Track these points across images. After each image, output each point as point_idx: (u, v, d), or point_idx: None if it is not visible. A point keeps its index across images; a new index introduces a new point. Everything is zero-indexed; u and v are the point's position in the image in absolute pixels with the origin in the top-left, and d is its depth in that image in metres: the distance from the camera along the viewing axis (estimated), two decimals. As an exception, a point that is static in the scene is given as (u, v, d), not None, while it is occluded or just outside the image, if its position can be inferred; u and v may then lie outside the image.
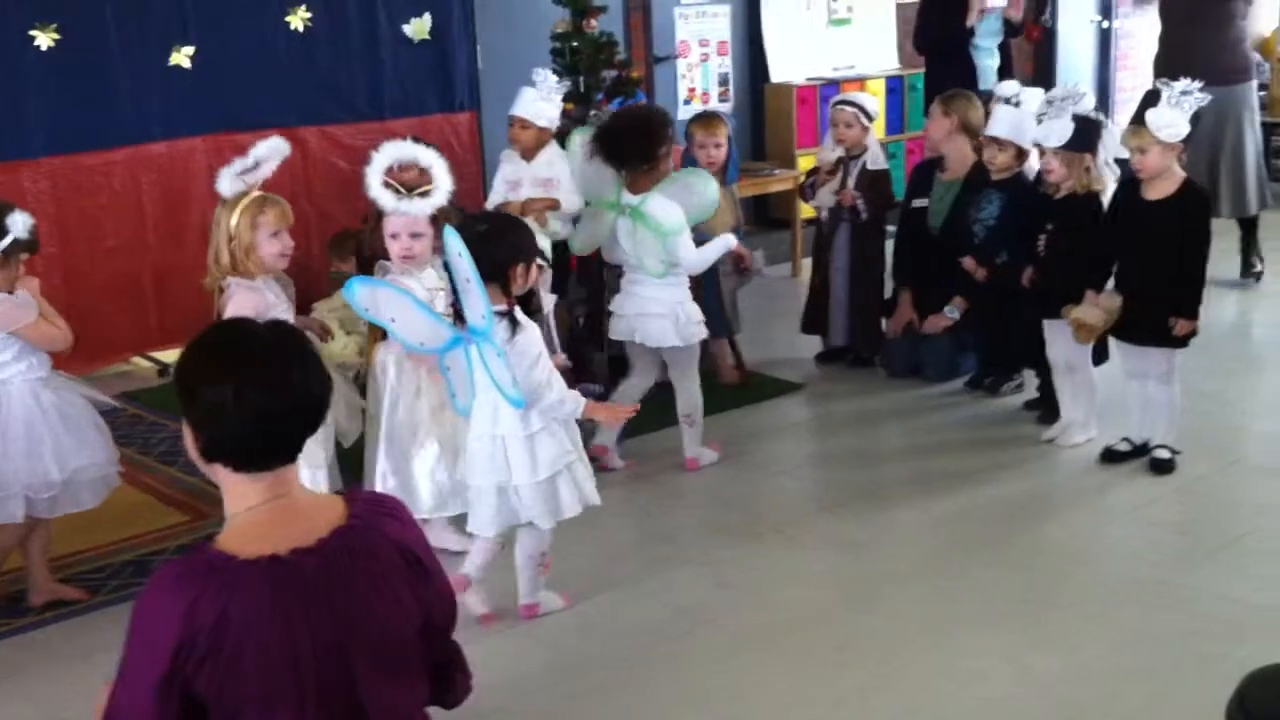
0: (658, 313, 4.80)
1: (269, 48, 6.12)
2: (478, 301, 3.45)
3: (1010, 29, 7.71)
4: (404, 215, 3.95)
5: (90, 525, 4.24)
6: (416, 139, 4.53)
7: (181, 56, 5.95)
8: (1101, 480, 4.76)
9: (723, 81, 8.34)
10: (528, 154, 5.48)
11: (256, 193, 4.00)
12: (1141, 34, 10.25)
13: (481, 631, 3.70)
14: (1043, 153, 5.28)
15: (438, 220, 3.92)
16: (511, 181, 5.49)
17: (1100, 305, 4.67)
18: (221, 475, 2.01)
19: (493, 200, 5.59)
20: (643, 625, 3.84)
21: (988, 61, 7.55)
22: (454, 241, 3.41)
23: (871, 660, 3.59)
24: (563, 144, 5.79)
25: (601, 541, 4.32)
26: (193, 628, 1.85)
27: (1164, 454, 4.78)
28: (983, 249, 5.39)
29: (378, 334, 4.14)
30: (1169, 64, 6.53)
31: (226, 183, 3.98)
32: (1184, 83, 4.51)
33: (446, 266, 3.52)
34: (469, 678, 2.22)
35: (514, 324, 3.55)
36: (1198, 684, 3.33)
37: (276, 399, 1.95)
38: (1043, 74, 9.98)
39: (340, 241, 6.07)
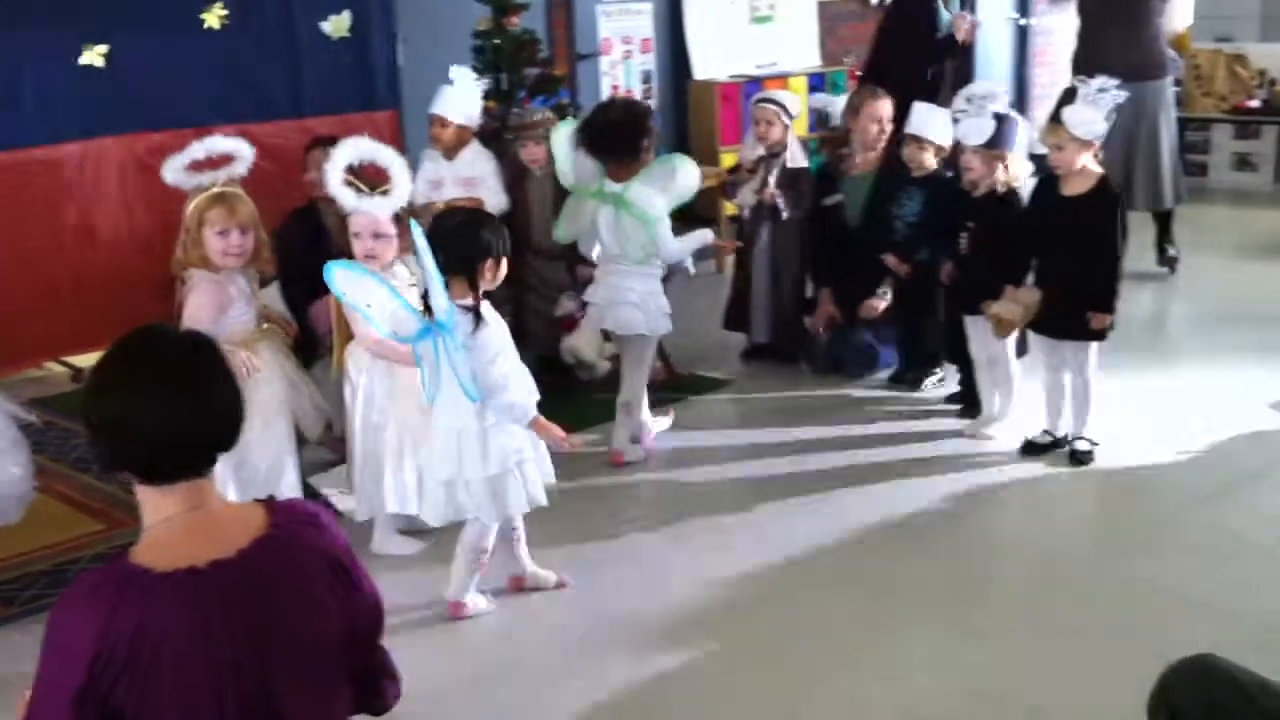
0: (630, 301, 4.88)
1: (185, 46, 6.00)
2: (440, 295, 3.46)
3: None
4: (365, 214, 3.97)
5: (2, 535, 4.14)
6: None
7: (95, 55, 5.82)
8: (1022, 473, 4.82)
9: (646, 79, 8.35)
10: (449, 152, 5.45)
11: (218, 188, 3.99)
12: (1059, 31, 10.40)
13: (406, 635, 3.67)
14: (951, 151, 5.35)
15: (402, 219, 3.93)
16: (433, 181, 5.45)
17: (1019, 301, 4.73)
18: (136, 486, 1.98)
19: (415, 202, 5.53)
20: (568, 627, 3.83)
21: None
22: (419, 237, 3.43)
23: (798, 658, 3.60)
24: (486, 142, 5.77)
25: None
26: (109, 640, 1.82)
27: (1084, 445, 4.85)
28: (904, 245, 5.44)
29: (346, 336, 4.13)
30: (1086, 61, 6.64)
31: (170, 174, 3.99)
32: (1100, 80, 4.57)
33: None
34: (398, 683, 2.21)
35: (478, 319, 3.56)
36: (1120, 674, 3.37)
37: (175, 417, 1.92)
38: (961, 71, 10.07)
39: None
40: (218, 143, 4.12)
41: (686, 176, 4.84)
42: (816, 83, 8.74)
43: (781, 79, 8.43)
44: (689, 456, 5.09)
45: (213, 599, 1.89)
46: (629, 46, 8.22)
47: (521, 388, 3.64)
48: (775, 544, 4.31)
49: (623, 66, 8.20)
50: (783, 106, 5.88)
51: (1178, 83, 8.98)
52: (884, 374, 5.87)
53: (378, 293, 3.51)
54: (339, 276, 3.46)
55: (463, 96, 5.40)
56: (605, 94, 8.03)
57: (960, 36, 7.05)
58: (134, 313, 3.80)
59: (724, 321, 6.24)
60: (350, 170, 3.97)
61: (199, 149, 4.13)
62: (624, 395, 5.02)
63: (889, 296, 5.66)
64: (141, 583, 1.87)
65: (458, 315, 3.53)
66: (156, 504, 1.97)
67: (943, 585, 4.00)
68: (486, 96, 6.22)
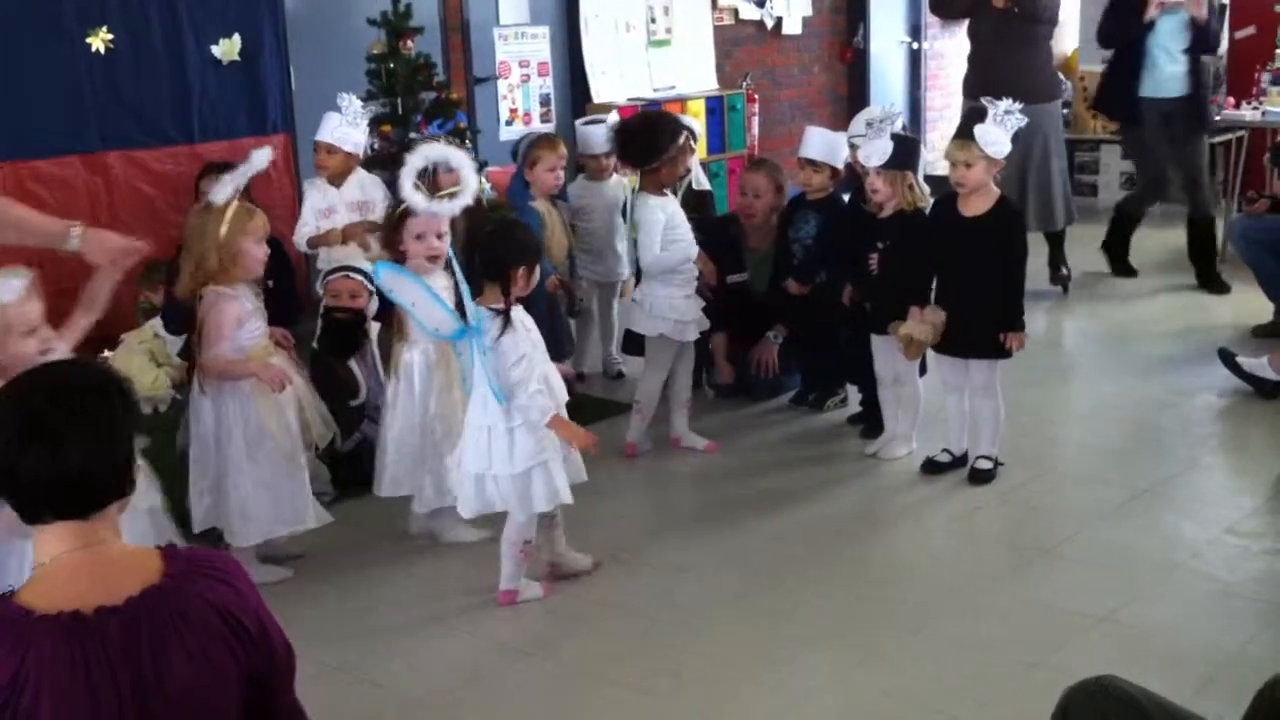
0: (644, 305, 5.15)
1: (68, 70, 5.87)
2: (468, 300, 3.77)
3: (1200, 37, 7.31)
4: (433, 216, 4.11)
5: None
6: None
7: (-27, 80, 5.67)
8: (924, 493, 4.84)
9: (544, 102, 8.31)
10: (335, 179, 5.39)
11: (238, 203, 4.01)
12: (950, 54, 10.58)
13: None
14: (851, 171, 5.40)
15: (454, 222, 4.22)
16: (322, 209, 5.39)
17: (927, 320, 4.75)
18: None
19: (304, 233, 5.46)
20: (469, 657, 3.76)
21: (1169, 67, 7.37)
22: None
23: (703, 685, 3.57)
24: (385, 167, 5.71)
25: (428, 570, 4.28)
26: (-13, 681, 1.75)
27: (985, 464, 4.89)
28: (802, 269, 5.47)
29: (402, 334, 4.34)
30: (978, 84, 6.74)
31: (225, 191, 3.98)
32: (1007, 103, 4.64)
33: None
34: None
35: (506, 324, 3.76)
36: (1020, 693, 3.40)
37: (52, 463, 1.87)
38: (856, 94, 10.21)
39: (150, 270, 5.85)
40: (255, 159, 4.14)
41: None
42: (715, 105, 8.78)
43: (680, 102, 8.45)
44: (591, 482, 5.02)
45: (95, 647, 1.84)
46: (526, 70, 8.18)
47: (542, 391, 3.80)
48: (679, 570, 4.28)
49: (521, 90, 8.16)
50: (691, 131, 5.89)
51: (1067, 105, 9.17)
52: (787, 396, 5.88)
53: (419, 293, 3.81)
54: (385, 276, 3.85)
55: (349, 124, 5.34)
56: (504, 117, 8.00)
57: (1192, 12, 7.21)
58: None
59: (622, 345, 6.20)
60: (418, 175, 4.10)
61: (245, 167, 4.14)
62: (636, 395, 5.29)
63: (780, 339, 5.67)
64: (21, 625, 1.82)
65: (486, 319, 3.76)
66: (46, 540, 1.92)
67: (845, 606, 4.00)
68: (382, 120, 6.17)
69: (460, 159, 4.11)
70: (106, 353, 5.39)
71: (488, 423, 3.83)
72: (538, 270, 3.94)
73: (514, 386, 3.77)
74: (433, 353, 4.27)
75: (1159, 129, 7.47)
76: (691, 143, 5.87)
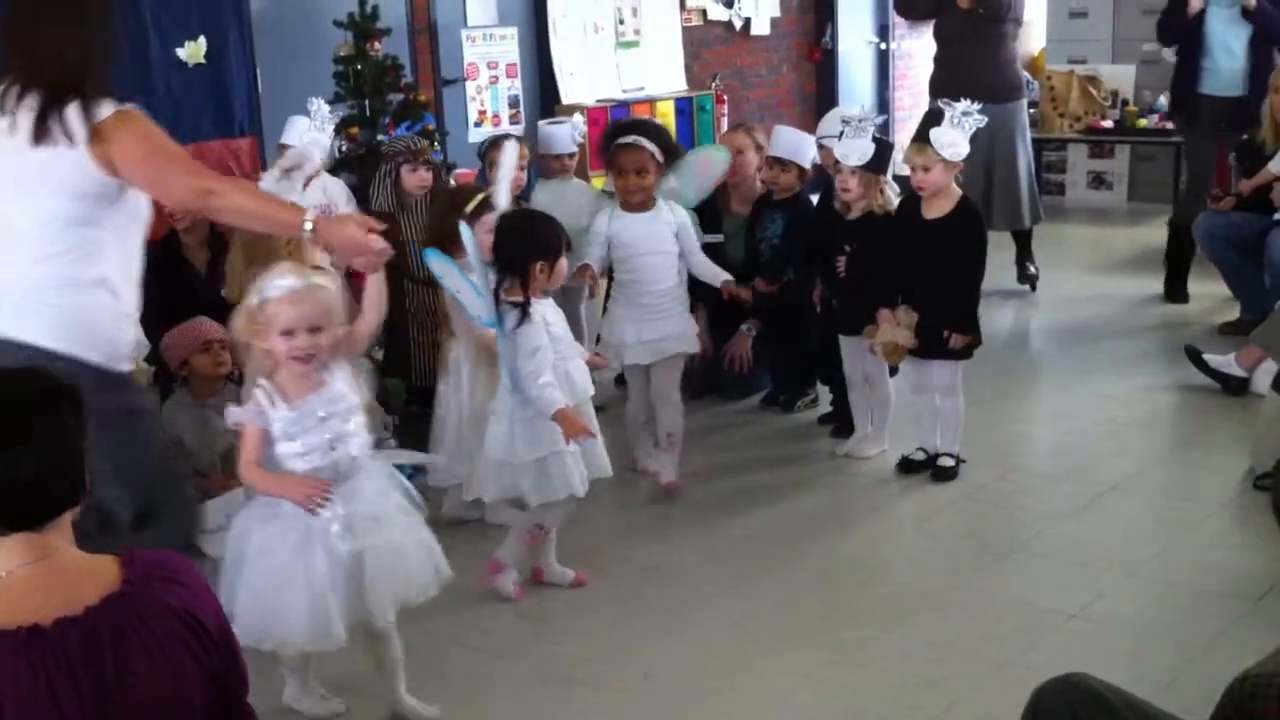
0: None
1: (33, 73, 5.82)
2: (487, 292, 3.88)
3: (1260, 28, 6.93)
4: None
5: None
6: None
7: (-64, 83, 5.62)
8: (893, 492, 4.86)
9: (513, 104, 8.30)
10: (305, 183, 5.35)
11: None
12: (919, 54, 10.61)
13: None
14: (820, 171, 5.40)
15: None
16: None
17: (901, 323, 4.75)
18: None
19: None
20: (439, 660, 3.75)
21: (1227, 64, 7.07)
22: (468, 240, 3.84)
23: (675, 686, 3.57)
24: (353, 169, 5.69)
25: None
26: (-51, 700, 1.74)
27: (948, 462, 4.91)
28: (769, 267, 5.47)
29: (450, 331, 4.53)
30: (944, 84, 6.76)
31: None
32: (965, 104, 4.64)
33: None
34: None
35: (523, 317, 3.85)
36: (989, 689, 3.41)
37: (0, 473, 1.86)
38: (825, 94, 10.24)
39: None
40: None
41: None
42: (684, 106, 8.78)
43: (649, 103, 8.46)
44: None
45: (57, 659, 1.83)
46: (495, 72, 8.17)
47: (550, 384, 3.86)
48: (650, 570, 4.28)
49: (489, 91, 8.15)
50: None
51: (1033, 104, 9.20)
52: (757, 397, 5.89)
53: (461, 282, 3.94)
54: (433, 263, 4.01)
55: (317, 129, 5.32)
56: (472, 119, 7.98)
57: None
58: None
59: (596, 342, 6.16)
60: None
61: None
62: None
63: (754, 331, 5.65)
64: (-19, 641, 1.79)
65: (506, 311, 3.87)
66: None
67: (816, 605, 4.01)
68: (350, 123, 6.15)
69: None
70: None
71: (509, 410, 3.91)
72: (563, 264, 3.97)
73: (525, 378, 3.84)
74: (473, 349, 4.40)
75: (1211, 130, 7.25)
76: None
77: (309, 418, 3.10)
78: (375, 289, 3.25)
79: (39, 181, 3.02)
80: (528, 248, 3.92)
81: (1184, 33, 7.21)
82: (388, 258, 3.19)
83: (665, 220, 4.81)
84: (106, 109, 3.03)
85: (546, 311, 3.95)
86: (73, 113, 3.00)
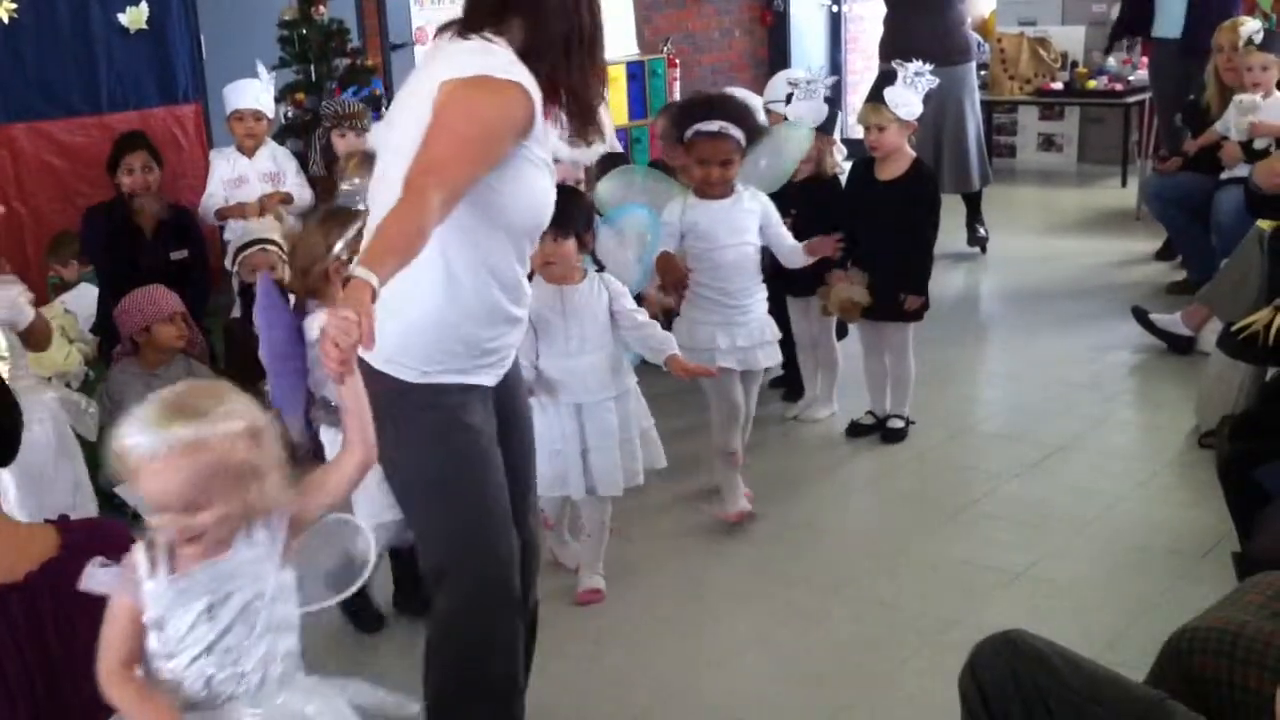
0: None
1: (-31, 40, 5.72)
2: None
3: None
4: (568, 164, 4.15)
5: None
6: None
7: None
8: (843, 454, 4.88)
9: (463, 69, 8.23)
10: (250, 150, 5.31)
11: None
12: (870, 18, 10.58)
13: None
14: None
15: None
16: (231, 180, 5.30)
17: (855, 282, 4.74)
18: None
19: (210, 204, 5.39)
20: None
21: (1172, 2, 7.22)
22: None
23: (627, 646, 3.59)
24: (299, 135, 5.63)
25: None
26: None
27: (898, 424, 4.94)
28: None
29: None
30: (893, 46, 6.75)
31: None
32: (917, 65, 4.65)
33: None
34: None
35: None
36: (935, 648, 3.44)
37: None
38: (777, 58, 10.21)
39: (60, 244, 5.73)
40: None
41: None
42: (635, 70, 8.73)
43: (599, 67, 8.41)
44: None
45: (0, 626, 1.83)
46: (444, 36, 8.09)
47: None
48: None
49: (438, 56, 8.07)
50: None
51: (984, 67, 9.22)
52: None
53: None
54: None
55: (265, 91, 5.27)
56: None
57: None
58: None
59: None
60: None
61: None
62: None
63: None
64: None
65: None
66: None
67: (766, 566, 4.03)
68: (295, 88, 6.08)
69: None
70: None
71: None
72: (588, 239, 3.68)
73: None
74: None
75: (1165, 74, 7.33)
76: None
77: (192, 599, 1.90)
78: (357, 420, 2.12)
79: None
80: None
81: None
82: (347, 371, 2.09)
83: (747, 208, 4.32)
84: None
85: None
86: None
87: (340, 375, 2.07)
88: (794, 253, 4.44)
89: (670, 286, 4.17)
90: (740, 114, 4.25)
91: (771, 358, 4.45)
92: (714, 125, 4.16)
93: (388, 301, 2.21)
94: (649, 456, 3.87)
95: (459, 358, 2.60)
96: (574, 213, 3.53)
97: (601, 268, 3.73)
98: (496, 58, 2.46)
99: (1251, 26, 6.36)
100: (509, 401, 2.79)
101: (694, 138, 4.20)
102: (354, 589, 2.16)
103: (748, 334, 4.30)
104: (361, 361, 2.15)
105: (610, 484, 3.75)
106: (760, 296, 4.37)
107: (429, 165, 2.36)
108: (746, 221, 4.31)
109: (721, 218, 4.27)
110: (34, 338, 3.82)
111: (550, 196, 2.64)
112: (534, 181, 2.57)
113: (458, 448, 2.64)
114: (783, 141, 4.63)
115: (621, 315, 3.70)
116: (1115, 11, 8.35)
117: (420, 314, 2.55)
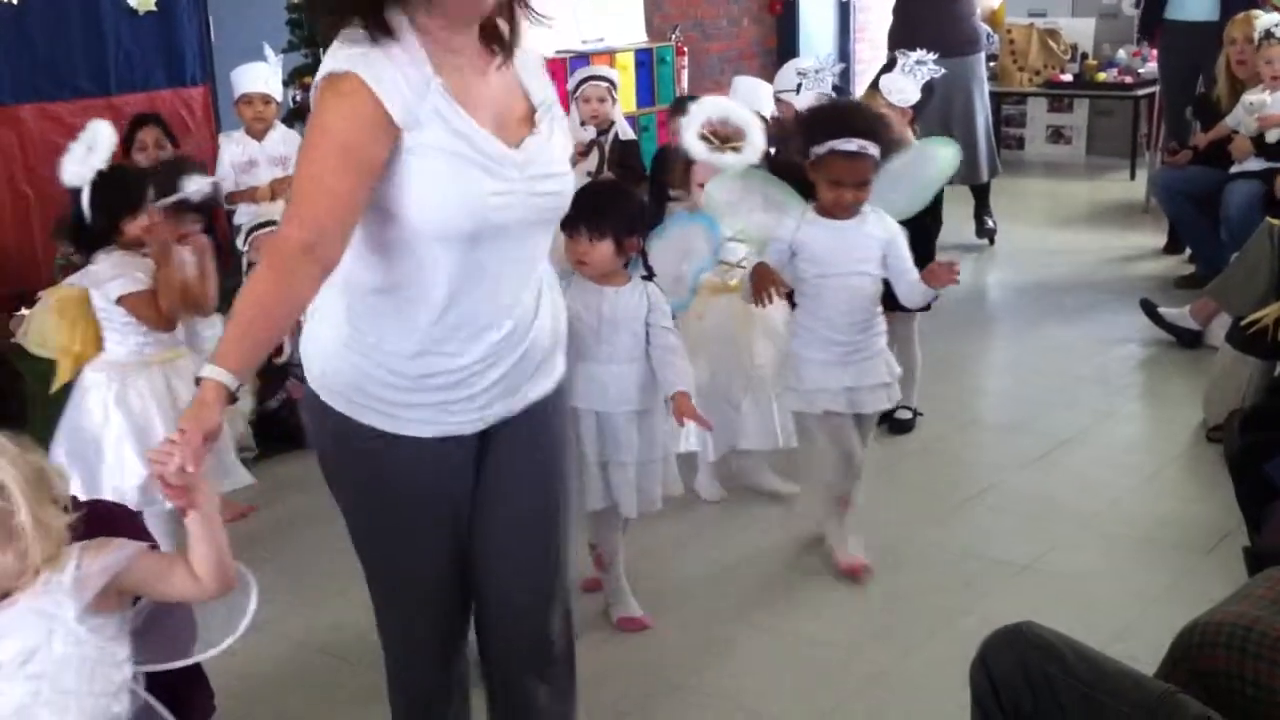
0: None
1: (-22, 22, 5.72)
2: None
3: None
4: (710, 168, 3.92)
5: None
6: None
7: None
8: (850, 444, 4.86)
9: (470, 54, 8.21)
10: (260, 134, 5.29)
11: None
12: (879, 8, 10.54)
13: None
14: (778, 124, 5.36)
15: None
16: (241, 163, 5.28)
17: None
18: None
19: (222, 188, 5.36)
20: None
21: None
22: None
23: (630, 635, 3.58)
24: (304, 120, 5.58)
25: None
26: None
27: (905, 414, 4.92)
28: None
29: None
30: (902, 36, 6.75)
31: None
32: (919, 53, 4.63)
33: None
34: (209, 694, 2.18)
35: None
36: (942, 640, 3.43)
37: None
38: (785, 47, 10.18)
39: (68, 226, 5.72)
40: None
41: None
42: (644, 58, 8.71)
43: (608, 54, 8.38)
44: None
45: None
46: (452, 21, 8.07)
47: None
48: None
49: (446, 42, 8.05)
50: (611, 82, 5.84)
51: (993, 57, 9.19)
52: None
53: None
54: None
55: (273, 74, 5.26)
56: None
57: None
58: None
59: None
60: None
61: None
62: None
63: None
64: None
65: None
66: None
67: (769, 557, 4.02)
68: (304, 72, 6.07)
69: (745, 118, 3.95)
70: (23, 310, 5.26)
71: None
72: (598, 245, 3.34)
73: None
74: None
75: (1183, 60, 7.23)
76: (614, 95, 5.82)
77: None
78: (211, 552, 1.91)
79: None
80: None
81: None
82: (187, 502, 1.86)
83: (871, 233, 3.76)
84: None
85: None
86: None
87: (182, 509, 1.87)
88: (914, 289, 3.79)
89: (760, 291, 3.69)
90: (876, 127, 3.70)
91: (889, 399, 3.95)
92: (852, 145, 3.61)
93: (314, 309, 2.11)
94: (667, 481, 3.62)
95: (381, 399, 2.20)
96: (611, 212, 3.31)
97: (651, 275, 3.47)
98: (339, 49, 2.08)
99: (1269, 19, 6.33)
100: (522, 451, 2.35)
101: (827, 155, 3.65)
102: (233, 638, 2.00)
103: (858, 374, 3.79)
104: (298, 367, 2.05)
105: (625, 504, 3.50)
106: (877, 332, 3.83)
107: (288, 209, 2.07)
108: (869, 249, 3.74)
109: (839, 241, 3.72)
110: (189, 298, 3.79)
111: (482, 185, 2.12)
112: (435, 175, 2.09)
113: (373, 506, 2.32)
114: (925, 159, 4.05)
115: (654, 331, 3.41)
116: (1125, 3, 8.29)
117: (332, 335, 2.22)
